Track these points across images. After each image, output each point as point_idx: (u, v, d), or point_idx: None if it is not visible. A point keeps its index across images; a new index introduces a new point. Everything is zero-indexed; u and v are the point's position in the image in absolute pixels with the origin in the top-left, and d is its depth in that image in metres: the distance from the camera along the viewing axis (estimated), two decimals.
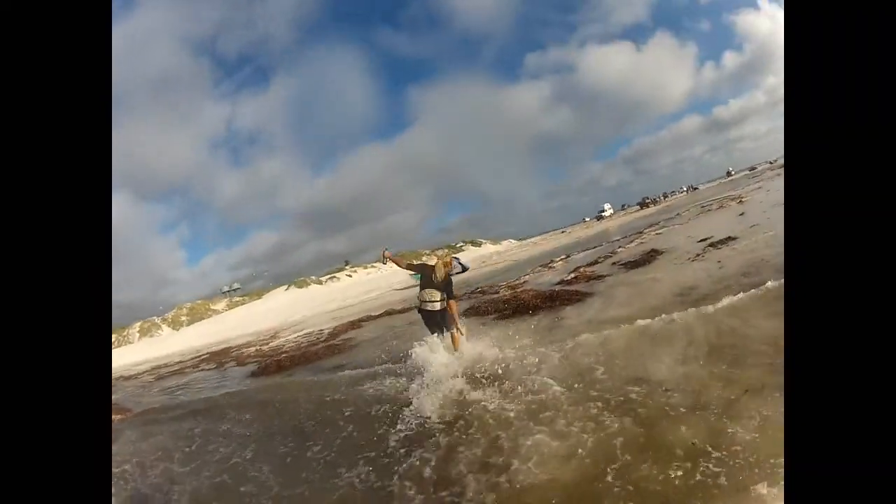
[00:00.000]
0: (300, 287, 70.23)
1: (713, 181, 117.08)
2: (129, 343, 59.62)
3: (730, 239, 12.49)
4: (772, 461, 3.61)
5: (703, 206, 31.46)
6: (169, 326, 65.50)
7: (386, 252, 9.18)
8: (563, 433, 4.89)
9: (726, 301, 7.20)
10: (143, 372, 23.70)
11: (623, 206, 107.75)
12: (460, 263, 8.63)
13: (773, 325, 5.82)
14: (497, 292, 15.34)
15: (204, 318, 63.41)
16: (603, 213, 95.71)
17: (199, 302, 72.59)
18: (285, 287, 71.63)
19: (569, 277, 14.17)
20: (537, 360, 7.09)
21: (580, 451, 4.53)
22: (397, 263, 9.45)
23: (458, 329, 8.45)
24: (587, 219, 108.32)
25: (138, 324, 66.72)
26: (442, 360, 7.93)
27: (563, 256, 24.26)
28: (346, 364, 11.16)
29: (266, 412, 8.60)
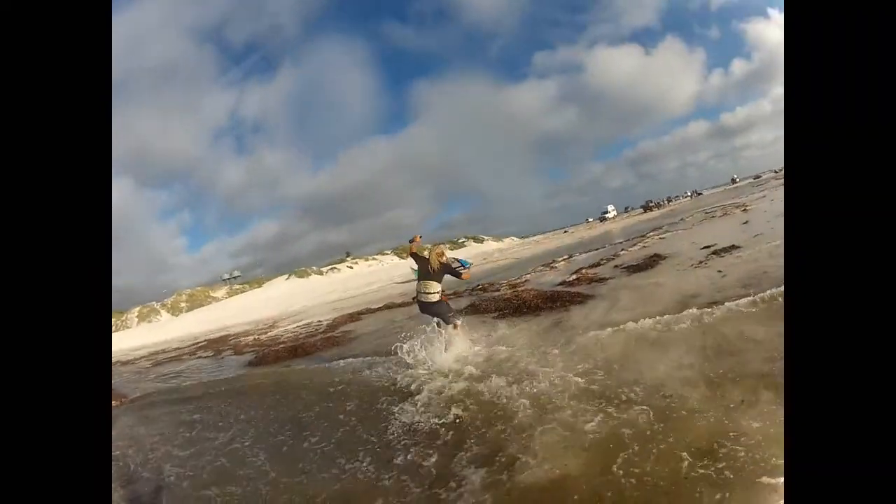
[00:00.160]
0: (301, 277, 70.25)
1: (717, 187, 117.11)
2: (128, 328, 59.66)
3: (734, 247, 12.42)
4: (774, 460, 3.62)
5: (707, 213, 31.41)
6: (168, 312, 65.51)
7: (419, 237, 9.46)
8: (570, 427, 4.93)
9: (726, 309, 7.20)
10: (141, 357, 23.75)
11: (626, 208, 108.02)
12: (459, 261, 8.77)
13: (770, 336, 5.82)
14: (498, 290, 15.34)
15: (203, 305, 63.41)
16: (606, 215, 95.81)
17: (199, 289, 72.62)
18: (286, 276, 71.68)
19: (571, 278, 14.16)
20: (537, 358, 7.09)
21: (586, 444, 4.56)
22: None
23: (455, 323, 8.66)
24: (590, 219, 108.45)
25: (137, 309, 66.70)
26: (441, 352, 8.20)
27: (565, 256, 24.25)
28: (345, 355, 11.18)
29: (265, 401, 8.63)
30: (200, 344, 23.55)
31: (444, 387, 6.88)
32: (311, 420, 7.01)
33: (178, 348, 24.55)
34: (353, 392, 7.92)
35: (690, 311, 7.56)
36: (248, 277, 78.71)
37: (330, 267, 75.39)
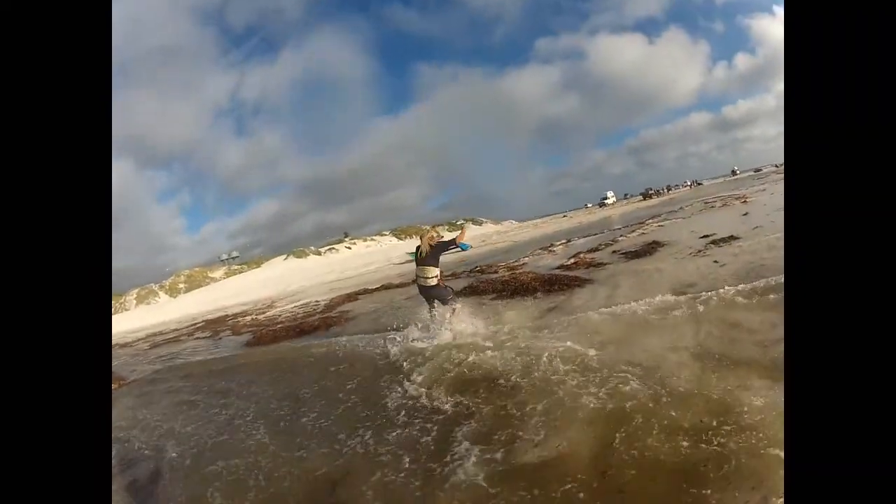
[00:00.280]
0: (299, 257, 70.27)
1: (718, 178, 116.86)
2: (126, 310, 59.49)
3: (732, 238, 12.42)
4: (778, 432, 3.71)
5: (706, 203, 31.36)
6: (166, 294, 65.43)
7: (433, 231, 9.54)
8: (569, 402, 5.00)
9: (722, 297, 7.25)
10: (139, 340, 23.79)
11: (626, 195, 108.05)
12: (458, 244, 8.92)
13: (764, 325, 5.92)
14: (496, 272, 15.34)
15: (202, 286, 63.31)
16: (606, 201, 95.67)
17: (197, 269, 72.49)
18: (284, 257, 71.68)
19: (569, 262, 14.18)
20: (535, 336, 7.19)
21: (586, 420, 4.64)
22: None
23: (454, 306, 8.87)
24: (589, 205, 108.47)
25: (135, 291, 66.60)
26: (440, 331, 8.41)
27: (563, 241, 24.26)
28: (343, 334, 11.30)
29: (263, 379, 8.75)
30: (198, 325, 23.61)
31: (443, 364, 6.96)
32: (311, 397, 7.08)
33: (176, 330, 24.56)
34: (352, 369, 8.03)
35: (687, 297, 7.64)
36: (247, 258, 78.82)
37: (328, 247, 75.38)
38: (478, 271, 16.68)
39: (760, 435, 3.81)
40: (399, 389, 6.46)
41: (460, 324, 8.70)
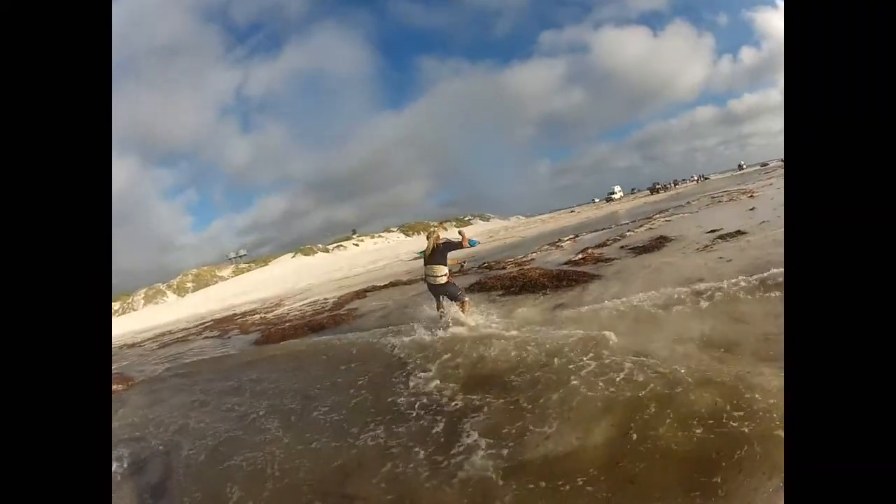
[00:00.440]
0: (307, 255, 70.21)
1: (724, 173, 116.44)
2: (134, 310, 59.54)
3: (739, 233, 12.36)
4: None
5: (713, 197, 31.14)
6: (174, 293, 65.40)
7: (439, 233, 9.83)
8: (581, 393, 5.05)
9: (730, 291, 7.28)
10: (147, 340, 23.92)
11: (633, 189, 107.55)
12: (464, 244, 9.13)
13: (770, 315, 5.97)
14: (504, 268, 15.36)
15: (209, 285, 63.29)
16: (613, 195, 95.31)
17: (205, 268, 72.26)
18: (292, 254, 71.64)
19: (577, 258, 14.17)
20: (543, 329, 7.25)
21: (600, 410, 4.70)
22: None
23: (463, 301, 9.08)
24: (596, 200, 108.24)
25: (143, 290, 66.42)
26: (451, 326, 8.53)
27: (571, 236, 24.20)
28: (352, 330, 11.38)
29: (274, 376, 8.83)
30: (207, 324, 23.66)
31: (453, 358, 7.06)
32: (322, 392, 7.15)
33: (185, 329, 24.68)
34: (362, 365, 8.10)
35: (694, 291, 7.67)
36: (255, 256, 78.78)
37: (336, 244, 75.31)
38: (486, 267, 16.67)
39: (773, 416, 3.86)
40: (410, 383, 6.53)
41: (469, 318, 8.83)
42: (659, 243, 13.95)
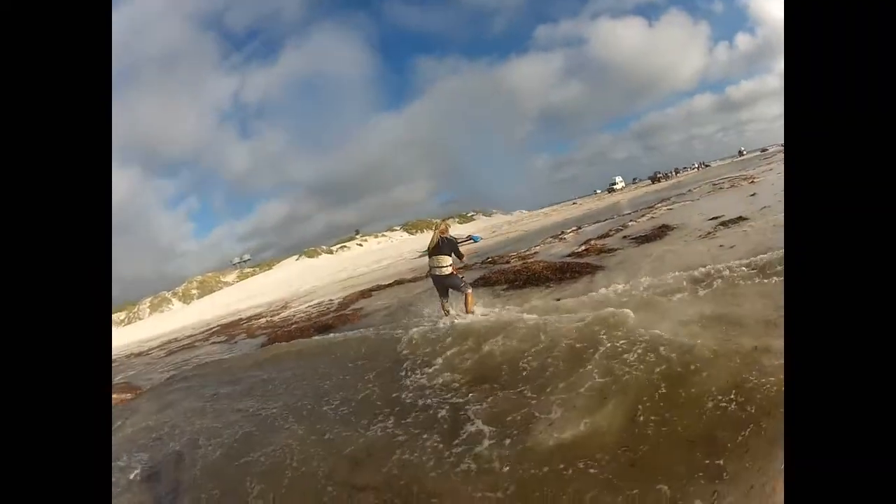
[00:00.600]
0: (311, 257, 70.19)
1: (725, 159, 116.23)
2: (140, 319, 59.52)
3: (741, 219, 12.36)
4: None
5: (714, 184, 31.08)
6: (179, 300, 65.36)
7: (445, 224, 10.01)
8: (588, 382, 5.08)
9: (732, 276, 7.30)
10: (154, 348, 23.99)
11: (634, 179, 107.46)
12: (471, 236, 9.30)
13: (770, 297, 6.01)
14: (508, 262, 15.37)
15: (214, 291, 63.26)
16: (614, 186, 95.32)
17: (210, 274, 72.16)
18: (296, 257, 71.64)
19: (580, 249, 14.17)
20: (548, 319, 7.21)
21: (606, 395, 4.77)
22: None
23: (467, 293, 9.20)
24: (598, 191, 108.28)
25: (148, 299, 66.30)
26: (455, 320, 8.64)
27: (574, 228, 24.19)
28: (358, 328, 11.46)
29: (284, 375, 8.92)
30: (213, 330, 23.76)
31: (459, 350, 7.15)
32: (332, 388, 7.26)
33: (191, 336, 24.75)
34: (369, 360, 8.22)
35: (698, 276, 7.72)
36: (258, 260, 78.64)
37: (339, 245, 75.26)
38: (490, 262, 16.71)
39: (781, 394, 3.87)
40: (417, 376, 6.64)
41: (473, 310, 9.01)
42: (661, 232, 13.94)
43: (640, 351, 5.32)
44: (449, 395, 5.81)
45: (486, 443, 4.56)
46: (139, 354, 21.95)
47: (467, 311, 9.04)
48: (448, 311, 9.42)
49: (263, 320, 20.94)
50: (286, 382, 8.32)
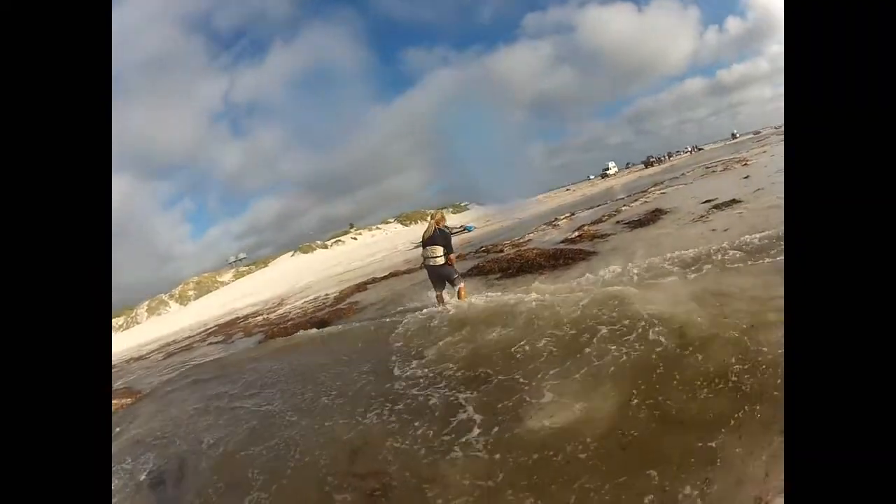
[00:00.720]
0: (305, 252, 70.05)
1: (718, 142, 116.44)
2: (138, 323, 59.15)
3: (734, 202, 12.42)
4: None
5: (707, 168, 31.22)
6: (176, 302, 65.16)
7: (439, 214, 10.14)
8: (583, 365, 5.12)
9: (721, 259, 7.36)
10: (152, 351, 23.95)
11: (627, 164, 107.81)
12: (464, 226, 9.38)
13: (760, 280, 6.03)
14: (501, 251, 15.44)
15: (211, 291, 63.12)
16: (608, 171, 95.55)
17: (206, 275, 71.70)
18: (291, 253, 71.52)
19: (573, 236, 14.22)
20: (541, 306, 7.23)
21: (601, 378, 4.79)
22: None
23: (460, 286, 9.31)
24: (592, 177, 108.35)
25: (146, 302, 65.83)
26: (450, 309, 8.71)
27: (567, 214, 24.37)
28: (354, 321, 11.58)
29: (283, 369, 8.93)
30: (210, 330, 23.87)
31: (452, 340, 7.16)
32: (329, 379, 7.28)
33: (189, 337, 24.82)
34: (364, 352, 8.27)
35: (693, 256, 7.85)
36: (254, 258, 78.31)
37: (334, 240, 75.10)
38: (484, 251, 16.82)
39: (777, 376, 3.92)
40: (410, 366, 6.64)
41: (466, 300, 9.01)
42: (654, 216, 14.01)
43: (635, 333, 5.34)
44: (442, 383, 5.82)
45: (476, 430, 4.57)
46: (138, 359, 21.88)
47: (459, 303, 9.04)
48: (443, 301, 9.46)
49: (260, 318, 20.98)
50: (285, 376, 8.33)
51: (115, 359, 23.78)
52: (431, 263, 9.49)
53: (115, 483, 5.92)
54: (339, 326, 11.45)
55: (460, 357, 6.42)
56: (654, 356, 4.84)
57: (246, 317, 24.27)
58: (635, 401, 4.24)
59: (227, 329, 21.15)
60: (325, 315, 13.94)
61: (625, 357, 4.97)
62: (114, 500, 5.44)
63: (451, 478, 4.03)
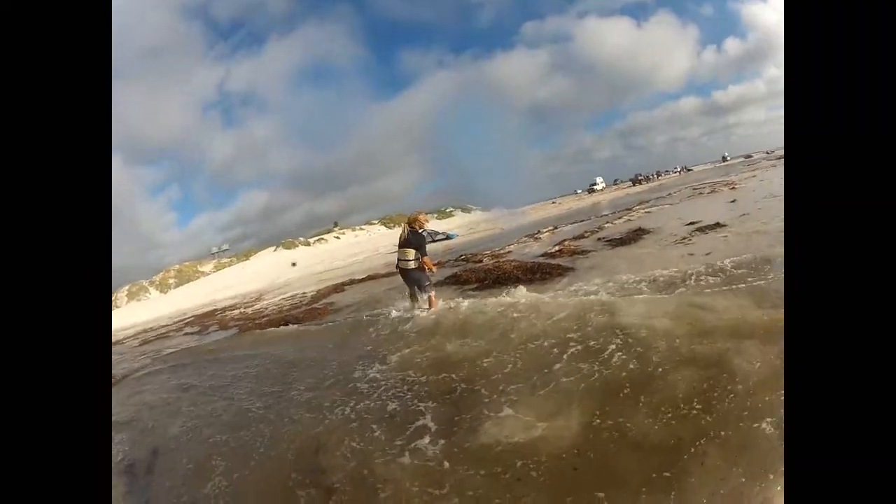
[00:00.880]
0: (288, 248, 70.12)
1: (708, 164, 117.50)
2: (117, 307, 59.00)
3: (718, 225, 12.40)
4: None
5: (695, 189, 31.48)
6: (156, 289, 65.07)
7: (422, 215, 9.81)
8: (546, 378, 5.13)
9: (701, 283, 7.32)
10: (129, 337, 24.07)
11: (616, 180, 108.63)
12: (446, 234, 9.31)
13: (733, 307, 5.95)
14: (480, 261, 15.47)
15: (192, 280, 63.11)
16: (595, 187, 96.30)
17: (187, 264, 71.89)
18: (273, 248, 71.53)
19: (553, 250, 14.19)
20: (510, 318, 7.29)
21: (564, 396, 4.73)
22: None
23: (431, 294, 9.21)
24: (579, 191, 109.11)
25: (126, 287, 65.77)
26: (422, 315, 8.82)
27: (550, 227, 24.44)
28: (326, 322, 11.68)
29: (253, 362, 9.06)
30: (188, 320, 24.00)
31: (419, 347, 7.24)
32: (297, 376, 7.38)
33: (166, 326, 24.97)
34: (336, 351, 8.31)
35: (671, 277, 7.86)
36: (237, 250, 78.32)
37: (317, 238, 75.26)
38: (463, 260, 16.88)
39: (746, 403, 3.87)
40: (375, 370, 6.68)
41: (436, 308, 9.00)
42: (636, 235, 13.99)
43: (606, 352, 5.32)
44: (404, 388, 5.84)
45: (428, 438, 4.56)
46: (116, 343, 21.83)
47: (429, 310, 8.99)
48: (416, 306, 9.41)
49: (237, 311, 21.03)
50: (255, 370, 8.51)
51: None
52: (403, 266, 9.31)
53: None
54: (312, 326, 11.53)
55: (426, 365, 6.41)
56: (623, 375, 4.79)
57: (223, 309, 24.35)
58: (597, 421, 4.18)
59: (203, 320, 21.29)
60: (300, 314, 13.94)
61: (593, 375, 4.93)
62: None
63: (403, 482, 4.02)
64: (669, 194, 32.35)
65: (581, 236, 16.74)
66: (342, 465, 4.45)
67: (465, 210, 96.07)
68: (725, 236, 10.89)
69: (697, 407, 4.00)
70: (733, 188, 24.29)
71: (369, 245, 58.31)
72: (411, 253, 9.17)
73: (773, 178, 25.14)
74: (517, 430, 4.32)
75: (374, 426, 5.01)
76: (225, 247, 78.86)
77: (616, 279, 8.65)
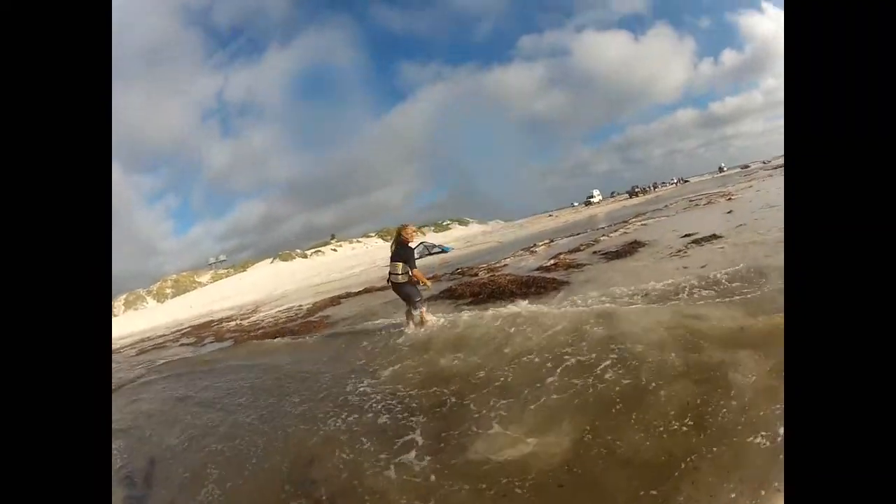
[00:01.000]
0: (285, 260, 70.12)
1: (704, 175, 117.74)
2: (115, 316, 59.10)
3: (714, 237, 12.40)
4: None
5: (691, 200, 31.52)
6: (154, 299, 65.01)
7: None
8: (538, 394, 5.12)
9: (695, 297, 7.31)
10: (126, 346, 24.10)
11: (612, 193, 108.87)
12: (437, 246, 9.28)
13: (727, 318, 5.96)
14: (476, 274, 15.48)
15: (189, 291, 63.08)
16: (592, 199, 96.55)
17: (184, 274, 71.86)
18: (270, 260, 71.52)
19: (548, 264, 14.16)
20: (503, 334, 7.30)
21: (555, 412, 4.73)
22: None
23: (422, 311, 9.15)
24: (576, 204, 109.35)
25: (124, 296, 65.71)
26: (417, 329, 8.82)
27: (546, 241, 24.40)
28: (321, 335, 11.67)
29: (249, 375, 9.09)
30: (184, 330, 23.96)
31: (412, 362, 7.23)
32: (292, 389, 7.40)
33: (163, 335, 24.95)
34: (330, 364, 8.32)
35: (661, 293, 7.82)
36: (234, 261, 78.34)
37: (314, 250, 75.23)
38: (459, 273, 16.89)
39: (741, 419, 3.85)
40: (367, 384, 6.70)
41: (427, 323, 9.00)
42: (632, 248, 13.97)
43: (600, 367, 5.31)
44: (394, 401, 5.85)
45: (414, 453, 4.57)
46: (113, 352, 21.75)
47: (420, 325, 8.99)
48: (411, 321, 9.31)
49: (233, 323, 20.99)
50: (249, 382, 8.53)
51: None
52: (394, 280, 9.26)
53: None
54: (306, 340, 11.54)
55: (417, 380, 6.40)
56: (616, 391, 4.78)
57: (220, 321, 24.32)
58: (588, 437, 4.17)
59: (200, 331, 21.26)
60: (295, 326, 13.97)
61: (586, 391, 4.92)
62: None
63: (390, 495, 4.03)
64: (666, 206, 32.50)
65: (577, 249, 16.75)
66: (334, 477, 4.47)
67: (463, 223, 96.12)
68: (722, 247, 10.89)
69: (689, 423, 3.99)
70: (730, 199, 24.34)
71: (366, 257, 58.26)
72: (400, 266, 9.11)
73: (770, 188, 25.21)
74: (505, 445, 4.32)
75: (364, 439, 5.03)
76: (222, 257, 78.96)
77: (610, 292, 8.66)
